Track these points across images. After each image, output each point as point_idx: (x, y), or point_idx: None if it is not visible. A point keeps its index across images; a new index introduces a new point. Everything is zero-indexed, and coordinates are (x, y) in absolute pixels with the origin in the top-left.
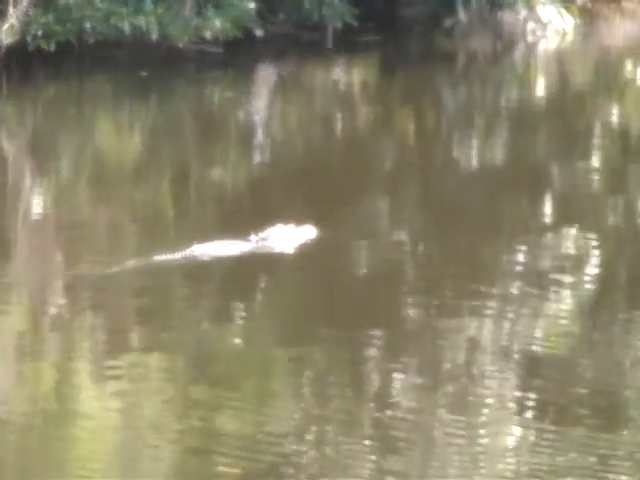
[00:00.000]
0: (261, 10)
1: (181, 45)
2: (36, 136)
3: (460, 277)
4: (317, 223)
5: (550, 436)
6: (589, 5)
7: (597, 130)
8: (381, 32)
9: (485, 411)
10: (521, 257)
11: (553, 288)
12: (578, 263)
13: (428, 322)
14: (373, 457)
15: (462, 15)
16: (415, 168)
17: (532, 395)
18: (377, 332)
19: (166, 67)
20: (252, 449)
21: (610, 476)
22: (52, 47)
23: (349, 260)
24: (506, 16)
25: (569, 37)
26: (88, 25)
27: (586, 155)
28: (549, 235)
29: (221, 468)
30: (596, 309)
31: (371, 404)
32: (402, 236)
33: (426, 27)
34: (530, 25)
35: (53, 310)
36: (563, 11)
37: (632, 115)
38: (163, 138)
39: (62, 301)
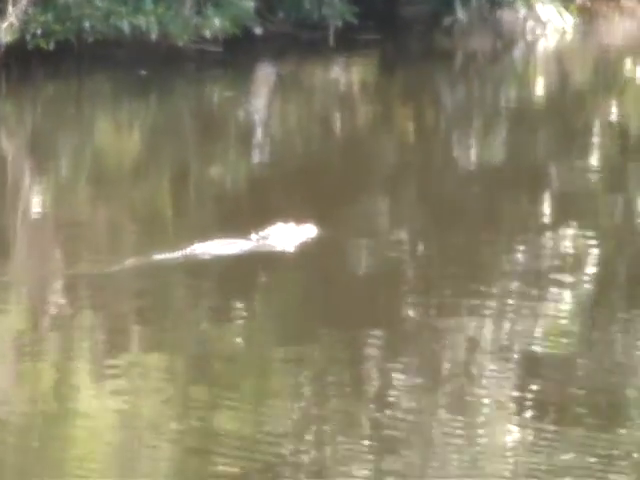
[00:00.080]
0: (260, 9)
1: (181, 44)
2: (35, 135)
3: (460, 276)
4: (317, 222)
5: (549, 436)
6: (588, 4)
7: (596, 129)
8: (381, 31)
9: (484, 411)
10: (521, 256)
11: (552, 287)
12: (577, 262)
13: (428, 321)
14: (372, 457)
15: (461, 14)
16: (415, 167)
17: (531, 395)
18: (377, 331)
19: (166, 66)
20: (251, 449)
21: (609, 476)
22: (51, 46)
23: (349, 259)
24: (505, 15)
25: (568, 36)
26: (87, 24)
27: (585, 154)
28: (548, 234)
29: (220, 468)
30: (595, 308)
31: (370, 404)
32: (402, 235)
33: (426, 26)
34: (529, 24)
35: (53, 309)
36: (562, 10)
37: (632, 114)
38: (163, 137)
39: (62, 300)
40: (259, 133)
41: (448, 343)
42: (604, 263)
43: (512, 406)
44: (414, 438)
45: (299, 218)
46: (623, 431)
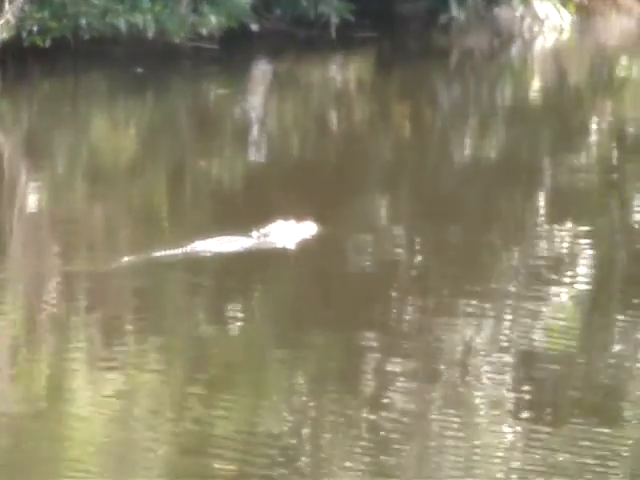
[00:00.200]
0: (257, 6)
1: (177, 40)
2: (31, 133)
3: (459, 275)
4: (317, 219)
5: (546, 436)
6: (585, 1)
7: (594, 127)
8: (378, 28)
9: (481, 411)
10: (519, 255)
11: (550, 287)
12: (575, 261)
13: (426, 320)
14: (368, 457)
15: (456, 11)
16: (413, 164)
17: (528, 395)
18: (376, 329)
19: (162, 63)
20: (247, 449)
21: (606, 476)
22: (47, 43)
23: (349, 256)
24: (503, 12)
25: (566, 34)
26: (84, 21)
27: (583, 152)
28: (546, 233)
29: (216, 468)
30: (593, 308)
31: (367, 405)
32: (401, 232)
33: (423, 24)
34: (527, 21)
35: (50, 307)
36: (560, 7)
37: (629, 112)
38: (160, 134)
39: (60, 298)
40: (257, 131)
41: (446, 342)
42: (602, 262)
43: (509, 406)
44: (411, 439)
45: (299, 215)
46: (620, 431)
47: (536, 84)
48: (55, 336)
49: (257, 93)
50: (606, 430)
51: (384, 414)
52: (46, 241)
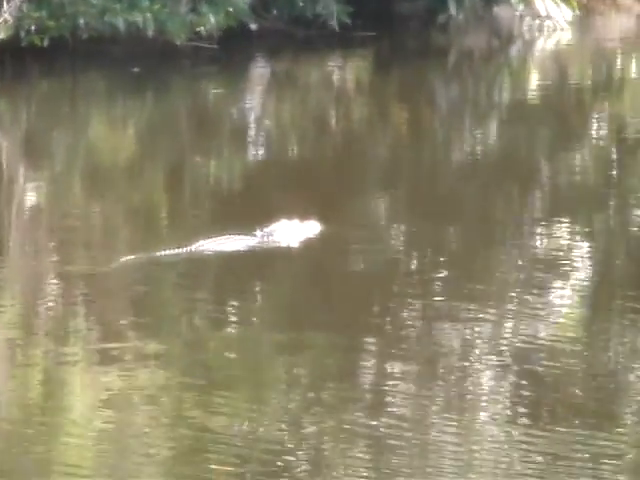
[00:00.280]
0: (255, 6)
1: (178, 42)
2: (30, 132)
3: (461, 276)
4: (320, 218)
5: (545, 438)
6: (584, 0)
7: (594, 127)
8: (376, 28)
9: (479, 413)
10: (522, 256)
11: (550, 287)
12: (575, 262)
13: (427, 320)
14: (367, 461)
15: (454, 10)
16: (413, 164)
17: (527, 396)
18: (379, 331)
19: (161, 63)
20: (245, 453)
21: (605, 477)
22: (46, 43)
23: (352, 255)
24: (502, 11)
25: (566, 33)
26: (82, 21)
27: (583, 152)
28: (546, 233)
29: (214, 469)
30: (593, 309)
31: (367, 406)
32: (405, 231)
33: (422, 23)
34: (526, 20)
35: (49, 307)
36: (561, 4)
37: (629, 112)
38: (160, 134)
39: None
40: (258, 130)
41: (445, 343)
42: (601, 262)
43: (508, 409)
44: (410, 441)
45: (303, 215)
46: (619, 432)
47: (535, 84)
48: (52, 337)
49: (256, 93)
50: (607, 431)
51: (384, 418)
52: (47, 241)
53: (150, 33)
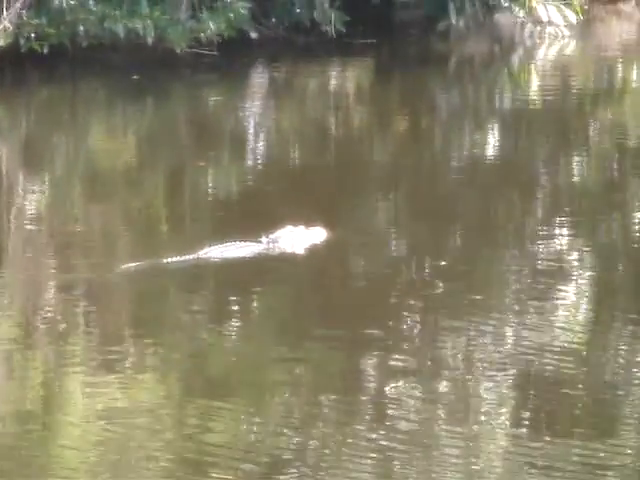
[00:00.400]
0: (255, 13)
1: (178, 50)
2: (29, 140)
3: (466, 284)
4: (325, 225)
5: (543, 449)
6: (585, 7)
7: (596, 135)
8: (377, 35)
9: (480, 421)
10: (523, 262)
11: (551, 293)
12: (575, 267)
13: (431, 326)
14: (368, 468)
15: (454, 18)
16: (416, 170)
17: (528, 404)
18: (385, 336)
19: (161, 70)
20: (245, 459)
21: None
22: (45, 50)
23: (358, 261)
24: (503, 18)
25: (567, 39)
26: (82, 28)
27: (583, 159)
28: (546, 239)
29: (213, 476)
30: (594, 316)
31: (369, 417)
32: (410, 237)
33: (422, 30)
34: (528, 27)
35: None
36: (564, 9)
37: (632, 121)
38: (161, 141)
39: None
40: (260, 137)
41: (446, 354)
42: (601, 267)
43: (509, 415)
44: (411, 447)
45: (308, 221)
46: (620, 441)
47: (536, 91)
48: (54, 344)
49: (257, 99)
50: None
51: (386, 430)
52: (49, 248)
53: (150, 40)
